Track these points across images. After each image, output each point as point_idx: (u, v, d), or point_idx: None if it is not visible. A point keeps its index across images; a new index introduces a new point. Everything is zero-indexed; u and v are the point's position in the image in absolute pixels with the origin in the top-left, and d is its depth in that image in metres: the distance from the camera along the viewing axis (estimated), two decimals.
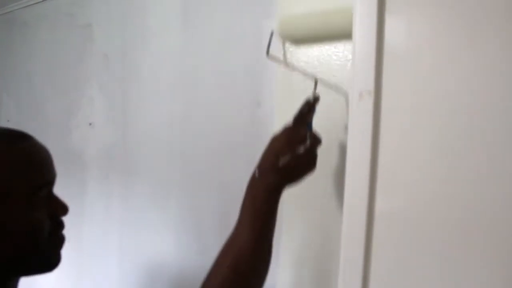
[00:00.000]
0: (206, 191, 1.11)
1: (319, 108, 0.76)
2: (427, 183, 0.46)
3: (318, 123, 0.76)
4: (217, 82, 1.08)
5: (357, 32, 0.51)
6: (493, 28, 0.42)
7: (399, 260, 0.48)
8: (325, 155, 0.77)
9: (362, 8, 0.50)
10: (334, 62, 0.86)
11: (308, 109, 0.75)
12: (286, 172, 0.68)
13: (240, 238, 0.68)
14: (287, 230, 0.92)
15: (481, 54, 0.43)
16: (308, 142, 0.69)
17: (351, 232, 0.51)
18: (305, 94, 0.91)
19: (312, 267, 0.89)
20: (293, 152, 0.68)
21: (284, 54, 0.93)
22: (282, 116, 0.94)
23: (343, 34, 0.77)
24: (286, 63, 0.91)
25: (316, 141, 0.71)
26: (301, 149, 0.68)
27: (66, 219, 0.68)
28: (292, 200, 0.88)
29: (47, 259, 0.64)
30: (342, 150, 0.84)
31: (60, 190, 0.69)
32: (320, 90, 0.78)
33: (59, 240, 0.66)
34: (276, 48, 0.89)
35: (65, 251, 0.67)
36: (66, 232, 0.68)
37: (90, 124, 1.42)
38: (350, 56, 0.50)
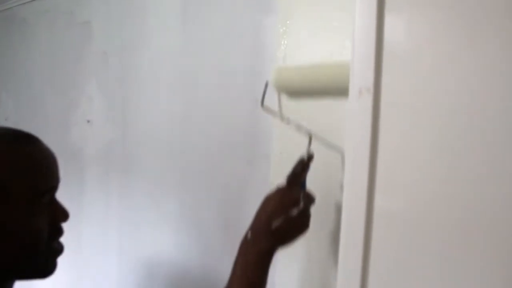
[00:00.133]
0: (206, 189, 1.11)
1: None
2: (427, 182, 0.46)
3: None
4: (217, 79, 1.08)
5: (356, 29, 0.50)
6: (493, 27, 0.42)
7: (398, 260, 0.48)
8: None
9: (362, 5, 0.50)
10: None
11: (302, 168, 0.74)
12: (279, 235, 0.68)
13: None
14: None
15: (481, 53, 0.42)
16: (301, 204, 0.69)
17: (350, 231, 0.51)
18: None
19: None
20: (286, 215, 0.68)
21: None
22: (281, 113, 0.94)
23: (340, 90, 0.76)
24: (281, 116, 0.91)
25: (309, 200, 0.71)
26: (295, 211, 0.68)
27: None
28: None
29: (43, 266, 0.63)
30: (338, 209, 0.83)
31: (59, 188, 0.69)
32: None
33: (57, 248, 0.65)
34: (272, 99, 0.89)
35: (64, 250, 0.66)
36: (65, 229, 0.67)
37: (88, 121, 1.42)
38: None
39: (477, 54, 0.43)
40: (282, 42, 0.93)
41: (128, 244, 1.32)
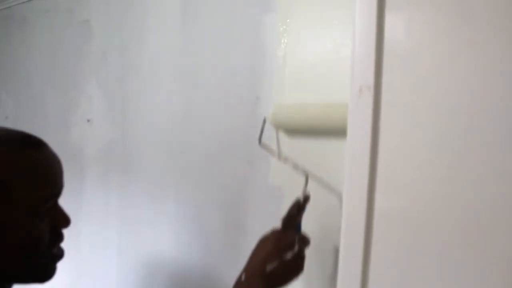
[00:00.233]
0: (205, 189, 1.11)
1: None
2: (427, 181, 0.46)
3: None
4: (217, 79, 1.08)
5: (357, 27, 0.50)
6: (493, 27, 0.42)
7: (398, 259, 0.48)
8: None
9: (362, 4, 0.50)
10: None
11: (298, 209, 0.74)
12: (273, 279, 0.68)
13: None
14: None
15: (481, 52, 0.42)
16: (296, 247, 0.70)
17: (350, 231, 0.51)
18: (304, 90, 0.91)
19: None
20: (281, 259, 0.68)
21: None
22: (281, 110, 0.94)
23: (338, 131, 0.74)
24: (278, 153, 0.90)
25: (304, 243, 0.72)
26: (289, 255, 0.69)
27: None
28: None
29: (42, 271, 0.63)
30: (336, 253, 0.83)
31: None
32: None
33: (57, 253, 0.65)
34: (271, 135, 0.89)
35: (64, 256, 0.66)
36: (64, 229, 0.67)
37: (88, 120, 1.42)
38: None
39: (477, 53, 0.43)
40: (282, 41, 0.93)
41: (127, 244, 1.32)
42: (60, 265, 0.66)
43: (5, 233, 0.56)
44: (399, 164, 0.48)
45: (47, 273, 0.63)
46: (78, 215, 1.44)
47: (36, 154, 0.60)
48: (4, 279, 0.60)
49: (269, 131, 0.92)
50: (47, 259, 0.63)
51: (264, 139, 0.89)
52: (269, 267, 0.68)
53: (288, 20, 0.92)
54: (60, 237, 0.65)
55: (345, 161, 0.52)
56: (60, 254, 0.65)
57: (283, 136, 0.92)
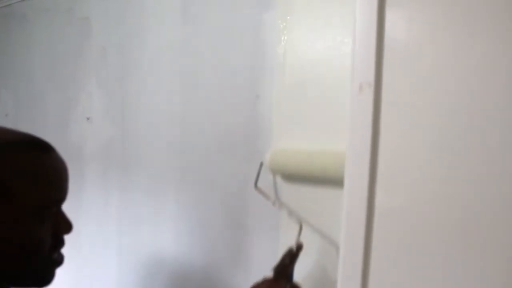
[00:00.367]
0: (205, 187, 1.11)
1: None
2: (427, 180, 0.46)
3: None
4: (217, 77, 1.08)
5: (357, 24, 0.50)
6: (493, 25, 0.41)
7: (398, 257, 0.48)
8: None
9: (363, 1, 0.49)
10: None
11: (290, 258, 0.74)
12: None
13: None
14: None
15: (481, 50, 0.42)
16: None
17: (351, 230, 0.51)
18: (302, 88, 0.91)
19: None
20: None
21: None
22: (281, 109, 0.94)
23: (334, 180, 0.74)
24: (274, 199, 0.90)
25: None
26: None
27: None
28: None
29: (41, 276, 0.62)
30: None
31: None
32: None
33: (57, 259, 0.64)
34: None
35: (64, 261, 0.66)
36: None
37: (88, 118, 1.42)
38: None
39: (478, 51, 0.42)
40: (282, 38, 0.93)
41: (127, 242, 1.32)
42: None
43: (7, 235, 0.55)
44: (399, 162, 0.48)
45: (46, 279, 0.62)
46: (77, 213, 1.44)
47: (43, 158, 0.59)
48: (2, 282, 0.59)
49: (267, 174, 0.92)
50: (47, 264, 0.62)
51: (261, 181, 0.90)
52: None
53: (288, 17, 0.92)
54: (61, 243, 0.64)
55: (345, 160, 0.52)
56: (60, 260, 0.64)
57: (280, 180, 0.92)
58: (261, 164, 0.88)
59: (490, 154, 0.42)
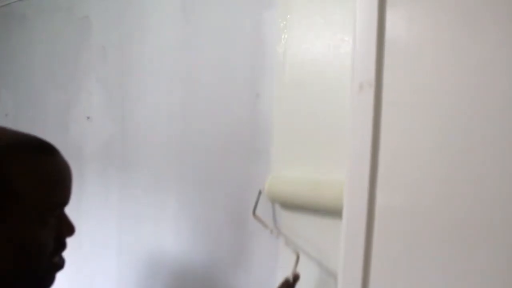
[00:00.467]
0: (205, 185, 1.11)
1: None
2: (428, 179, 0.46)
3: None
4: (216, 74, 1.07)
5: (357, 23, 0.50)
6: (494, 23, 0.41)
7: (399, 255, 0.48)
8: None
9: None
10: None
11: None
12: None
13: None
14: None
15: (482, 48, 0.42)
16: None
17: (351, 229, 0.51)
18: (303, 86, 0.91)
19: None
20: None
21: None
22: (281, 107, 0.93)
23: (332, 210, 0.75)
24: (272, 227, 0.90)
25: None
26: None
27: None
28: None
29: (41, 280, 0.61)
30: None
31: None
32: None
33: (58, 263, 0.63)
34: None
35: (65, 265, 0.65)
36: None
37: (88, 118, 1.41)
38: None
39: (479, 49, 0.42)
40: (283, 37, 0.93)
41: (127, 239, 1.32)
42: None
43: (9, 239, 0.54)
44: (400, 162, 0.48)
45: (46, 283, 0.61)
46: (77, 213, 1.44)
47: (49, 162, 0.58)
48: (3, 284, 0.59)
49: (266, 201, 0.93)
50: (47, 268, 0.61)
51: (259, 209, 0.90)
52: None
53: (288, 16, 0.91)
54: (63, 246, 0.63)
55: (346, 159, 0.52)
56: (61, 264, 0.63)
57: (278, 208, 0.92)
58: (260, 192, 0.89)
59: (490, 154, 0.41)
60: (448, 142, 0.44)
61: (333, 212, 0.75)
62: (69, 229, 0.64)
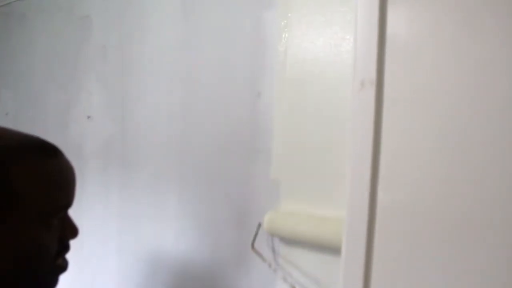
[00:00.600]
0: (206, 184, 1.11)
1: None
2: (429, 179, 0.45)
3: None
4: (217, 73, 1.07)
5: (359, 21, 0.50)
6: (495, 21, 0.41)
7: (399, 255, 0.48)
8: None
9: None
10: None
11: None
12: None
13: None
14: None
15: (483, 44, 0.42)
16: None
17: (353, 228, 0.51)
18: (303, 86, 0.90)
19: None
20: None
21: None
22: (282, 106, 0.93)
23: (332, 247, 0.75)
24: (271, 261, 0.91)
25: None
26: None
27: None
28: None
29: (44, 282, 0.60)
30: None
31: None
32: None
33: (62, 265, 0.62)
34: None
35: (68, 267, 0.65)
36: None
37: (88, 117, 1.41)
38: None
39: (479, 44, 0.42)
40: (283, 36, 0.93)
41: (128, 238, 1.32)
42: None
43: (13, 241, 0.54)
44: (401, 161, 0.47)
45: (49, 285, 0.61)
46: (78, 212, 1.43)
47: (53, 164, 0.58)
48: (4, 286, 0.58)
49: (266, 235, 0.93)
50: (51, 271, 0.60)
51: (258, 242, 0.90)
52: None
53: (289, 15, 0.91)
54: (66, 248, 0.63)
55: (346, 158, 0.52)
56: (64, 266, 0.63)
57: (277, 241, 0.93)
58: (259, 225, 0.89)
59: (491, 154, 0.41)
60: (448, 141, 0.44)
61: (333, 249, 0.75)
62: (73, 231, 0.63)
